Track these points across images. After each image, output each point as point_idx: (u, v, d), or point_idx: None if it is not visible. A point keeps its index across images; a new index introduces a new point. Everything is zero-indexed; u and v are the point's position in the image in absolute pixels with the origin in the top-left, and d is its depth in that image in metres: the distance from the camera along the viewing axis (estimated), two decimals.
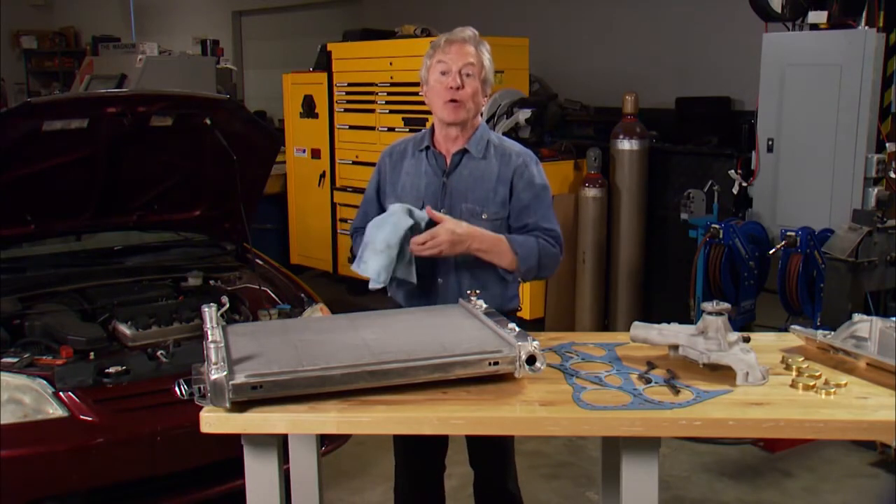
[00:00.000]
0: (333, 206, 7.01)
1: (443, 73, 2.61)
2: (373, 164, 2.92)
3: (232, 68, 10.31)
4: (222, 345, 2.07)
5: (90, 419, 3.01)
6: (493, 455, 2.82)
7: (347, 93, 6.83)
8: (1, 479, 2.84)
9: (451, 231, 2.52)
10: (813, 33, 4.81)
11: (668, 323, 2.33)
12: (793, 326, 2.51)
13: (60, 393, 3.01)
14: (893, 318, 2.32)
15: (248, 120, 3.98)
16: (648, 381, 2.14)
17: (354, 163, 6.81)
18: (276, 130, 5.94)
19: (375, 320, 2.44)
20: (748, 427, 1.99)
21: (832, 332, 2.39)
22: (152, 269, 4.08)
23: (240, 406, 1.95)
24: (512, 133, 5.66)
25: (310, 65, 7.37)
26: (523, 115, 5.64)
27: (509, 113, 5.69)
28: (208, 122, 3.73)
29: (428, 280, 2.67)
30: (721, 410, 1.99)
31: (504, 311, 2.52)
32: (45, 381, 3.03)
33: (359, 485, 3.99)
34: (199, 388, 1.94)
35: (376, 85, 6.49)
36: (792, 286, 4.47)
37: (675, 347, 2.28)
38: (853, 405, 2.02)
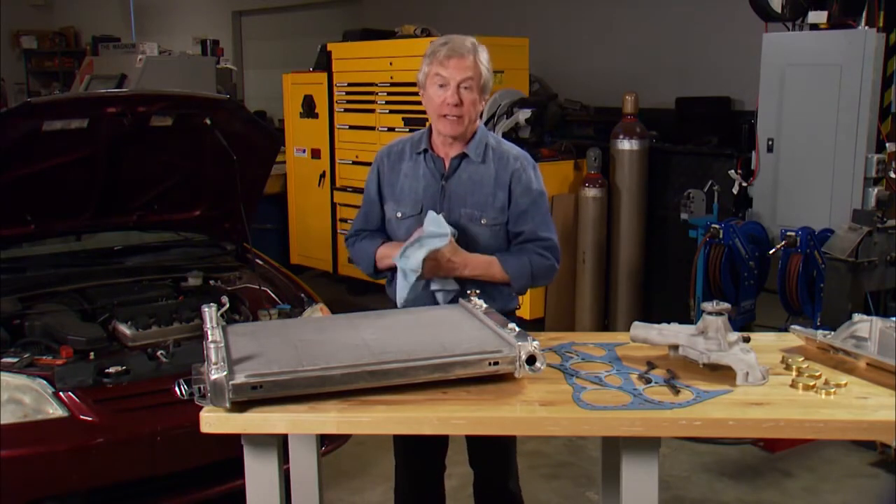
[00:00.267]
0: (333, 206, 7.01)
1: (441, 86, 2.60)
2: None
3: (232, 68, 10.31)
4: (222, 345, 2.07)
5: (90, 419, 3.01)
6: (493, 455, 2.82)
7: (347, 93, 6.83)
8: (1, 479, 2.84)
9: (448, 259, 2.58)
10: (813, 33, 4.81)
11: (668, 323, 2.33)
12: (793, 326, 2.51)
13: (60, 393, 3.01)
14: (893, 318, 2.32)
15: (248, 120, 3.98)
16: (648, 381, 2.14)
17: (354, 163, 6.81)
18: (276, 130, 5.94)
19: (375, 320, 2.44)
20: (748, 427, 1.99)
21: (832, 332, 2.39)
22: (152, 269, 4.08)
23: (240, 406, 1.95)
24: (512, 133, 5.66)
25: (310, 65, 7.37)
26: (523, 115, 5.64)
27: (509, 113, 5.69)
28: (208, 122, 3.73)
29: (427, 281, 2.67)
30: (721, 410, 1.99)
31: (503, 311, 2.52)
32: (45, 381, 3.03)
33: (359, 485, 3.99)
34: (199, 388, 1.94)
35: (376, 85, 6.49)
36: (792, 286, 4.48)
37: (675, 347, 2.29)
38: (853, 405, 2.02)
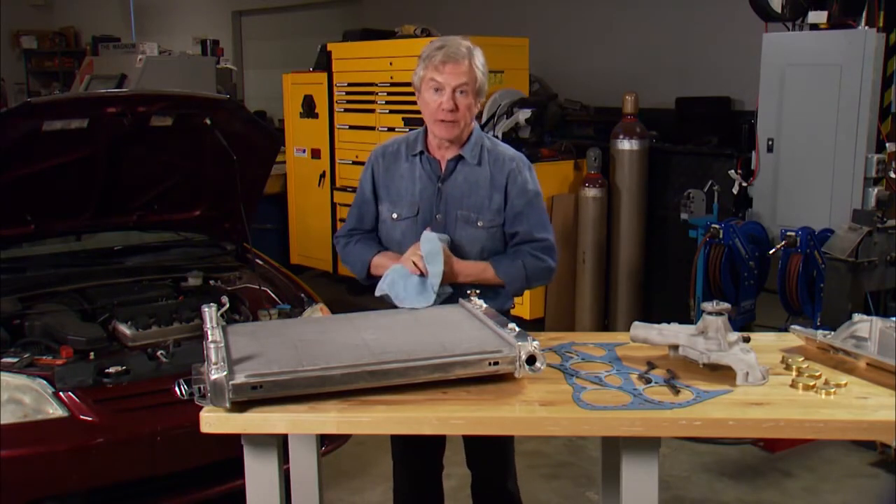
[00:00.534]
0: (333, 206, 7.01)
1: (436, 90, 2.59)
2: None
3: (232, 68, 10.31)
4: (222, 345, 2.07)
5: (90, 419, 3.01)
6: (490, 455, 2.81)
7: (347, 93, 6.83)
8: (1, 479, 2.84)
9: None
10: (813, 33, 4.81)
11: (668, 323, 2.33)
12: (793, 326, 2.51)
13: (60, 393, 3.01)
14: (893, 318, 2.32)
15: (248, 120, 3.97)
16: (648, 381, 2.14)
17: (354, 163, 6.81)
18: (276, 130, 5.94)
19: (375, 320, 2.44)
20: (748, 427, 1.99)
21: (832, 332, 2.39)
22: (152, 269, 4.08)
23: (240, 406, 1.95)
24: (512, 133, 5.67)
25: (310, 65, 7.37)
26: (523, 115, 5.64)
27: (509, 113, 5.69)
28: (208, 122, 3.73)
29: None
30: (721, 410, 1.99)
31: (498, 311, 2.52)
32: (45, 381, 3.03)
33: (359, 485, 3.99)
34: (199, 388, 1.94)
35: (376, 85, 6.49)
36: (792, 286, 4.47)
37: (675, 347, 2.29)
38: (853, 405, 2.02)
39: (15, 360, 3.12)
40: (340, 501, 3.86)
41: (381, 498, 3.83)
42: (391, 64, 6.32)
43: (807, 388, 2.09)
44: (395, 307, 2.63)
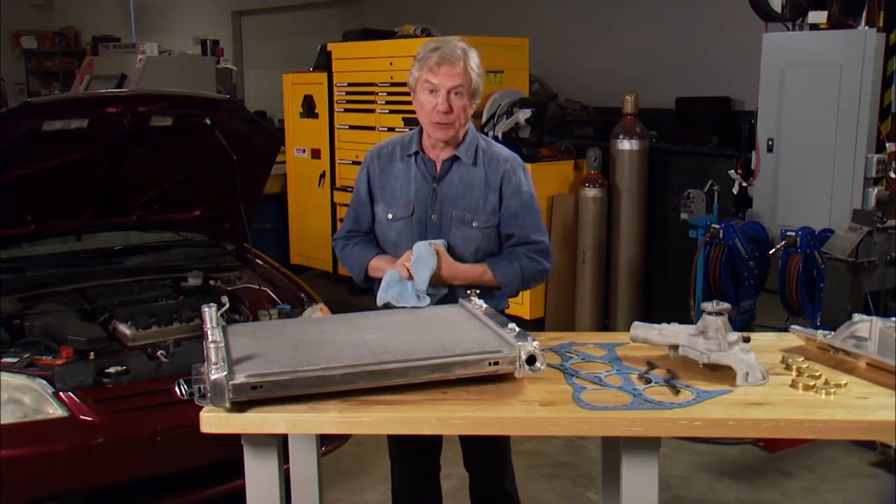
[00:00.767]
0: (333, 206, 7.01)
1: (431, 92, 2.60)
2: None
3: (232, 68, 10.31)
4: (222, 345, 2.07)
5: (90, 419, 3.01)
6: (488, 457, 2.82)
7: (347, 93, 6.83)
8: (1, 479, 2.84)
9: (437, 276, 2.60)
10: (813, 33, 4.81)
11: (668, 323, 2.33)
12: (793, 326, 2.51)
13: (60, 393, 3.01)
14: (893, 318, 2.32)
15: (248, 120, 3.97)
16: (648, 381, 2.15)
17: (354, 163, 6.81)
18: (276, 130, 5.94)
19: (375, 320, 2.44)
20: (748, 427, 1.99)
21: (832, 332, 2.39)
22: (152, 269, 4.08)
23: (240, 406, 1.95)
24: (512, 133, 5.66)
25: (310, 65, 7.37)
26: (523, 115, 5.64)
27: (509, 113, 5.69)
28: (208, 122, 3.73)
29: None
30: (721, 410, 1.99)
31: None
32: (45, 381, 3.03)
33: (359, 485, 3.99)
34: (199, 388, 1.94)
35: (376, 85, 6.49)
36: (792, 286, 4.47)
37: (675, 347, 2.29)
38: (853, 405, 2.02)
39: (15, 360, 3.12)
40: (340, 501, 3.86)
41: (381, 498, 3.83)
42: (391, 64, 6.32)
43: (807, 388, 2.09)
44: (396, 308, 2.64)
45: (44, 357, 3.20)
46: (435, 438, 2.84)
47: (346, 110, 6.86)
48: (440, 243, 2.64)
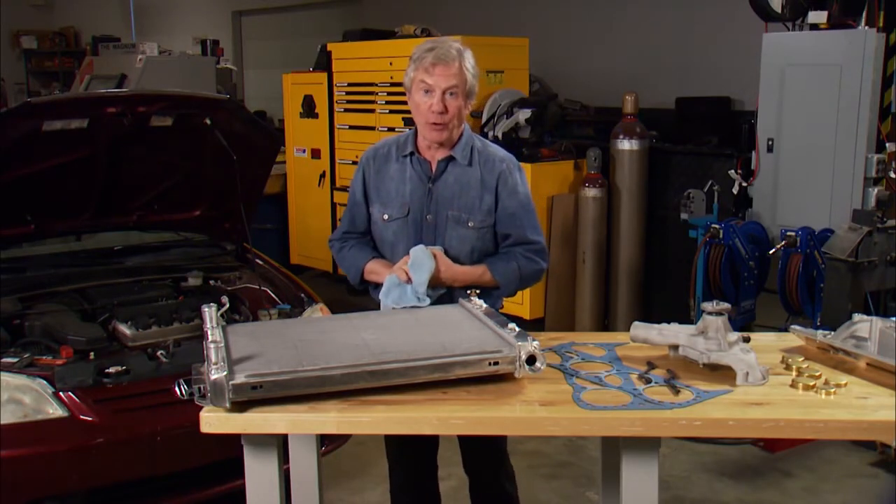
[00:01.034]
0: (333, 206, 7.01)
1: (426, 92, 2.60)
2: None
3: (232, 68, 10.31)
4: (222, 345, 2.07)
5: (90, 419, 3.01)
6: (486, 458, 2.82)
7: (347, 93, 6.83)
8: (1, 479, 2.84)
9: (436, 279, 2.62)
10: (813, 33, 4.81)
11: (668, 323, 2.33)
12: (793, 326, 2.51)
13: (60, 393, 3.01)
14: (893, 318, 2.32)
15: (248, 120, 3.97)
16: (648, 381, 2.15)
17: (354, 163, 6.75)
18: (276, 130, 5.94)
19: (375, 320, 2.44)
20: (748, 427, 1.99)
21: (832, 332, 2.39)
22: (152, 269, 4.08)
23: (240, 406, 1.95)
24: (512, 133, 5.66)
25: (310, 65, 7.37)
26: (523, 115, 5.64)
27: (509, 113, 5.69)
28: (208, 122, 3.73)
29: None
30: (721, 410, 1.99)
31: None
32: (45, 381, 3.03)
33: (359, 485, 3.99)
34: (199, 388, 1.94)
35: (376, 85, 6.49)
36: (792, 286, 4.47)
37: (675, 347, 2.29)
38: (853, 405, 2.02)
39: (15, 360, 3.12)
40: (340, 501, 3.86)
41: (381, 498, 3.82)
42: (391, 64, 6.32)
43: (807, 388, 2.09)
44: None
45: (44, 357, 3.20)
46: (432, 438, 2.84)
47: (346, 110, 6.86)
48: (437, 249, 2.66)
